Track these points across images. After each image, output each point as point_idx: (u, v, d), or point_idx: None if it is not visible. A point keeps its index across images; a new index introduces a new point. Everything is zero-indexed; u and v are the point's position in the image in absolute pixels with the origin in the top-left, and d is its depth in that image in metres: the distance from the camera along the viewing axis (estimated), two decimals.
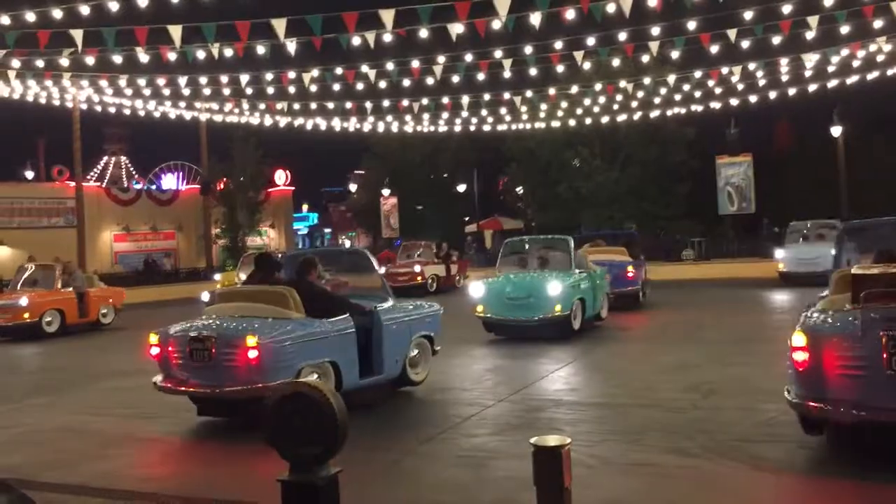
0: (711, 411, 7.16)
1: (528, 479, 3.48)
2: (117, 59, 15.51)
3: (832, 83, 20.99)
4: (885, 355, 4.83)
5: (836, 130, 29.28)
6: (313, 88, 19.08)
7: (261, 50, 14.76)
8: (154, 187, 44.39)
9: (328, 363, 7.36)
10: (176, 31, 12.73)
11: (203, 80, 18.59)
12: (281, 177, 43.74)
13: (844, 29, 15.49)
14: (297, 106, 22.12)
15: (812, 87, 21.30)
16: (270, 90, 19.35)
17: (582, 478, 4.60)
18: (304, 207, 68.04)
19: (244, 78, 17.87)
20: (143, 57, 15.01)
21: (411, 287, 23.70)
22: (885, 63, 19.30)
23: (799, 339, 5.23)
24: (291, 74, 17.77)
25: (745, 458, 5.58)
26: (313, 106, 22.01)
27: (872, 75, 20.30)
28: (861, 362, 4.97)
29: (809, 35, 15.27)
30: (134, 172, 55.43)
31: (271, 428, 1.67)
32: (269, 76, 18.00)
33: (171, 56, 15.07)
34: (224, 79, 18.35)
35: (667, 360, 10.09)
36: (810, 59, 18.06)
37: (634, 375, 9.26)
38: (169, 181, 45.24)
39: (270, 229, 42.22)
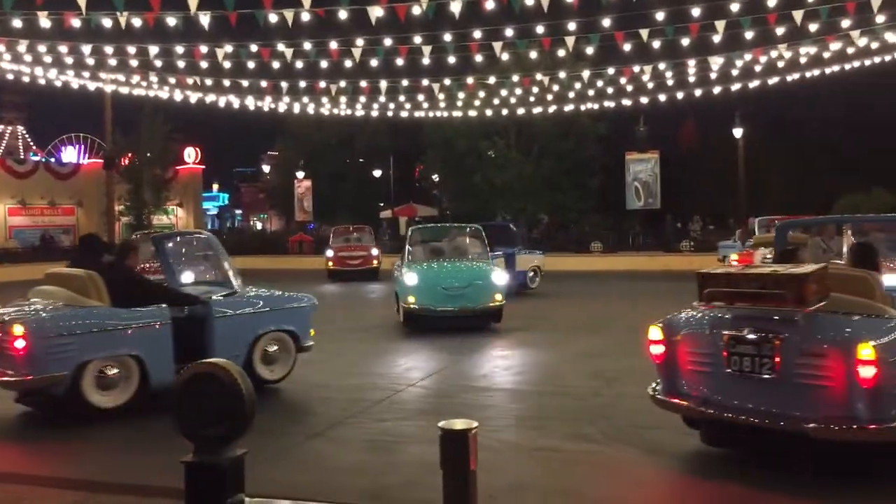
0: (613, 398, 7.41)
1: (436, 463, 3.54)
2: (16, 23, 14.69)
3: (735, 86, 21.87)
4: (725, 354, 4.98)
5: (738, 132, 30.58)
6: (227, 65, 18.58)
7: (172, 22, 14.26)
8: (53, 160, 42.26)
9: (130, 357, 6.78)
10: None
11: (109, 49, 17.81)
12: (190, 154, 42.42)
13: (749, 34, 16.18)
14: (209, 82, 21.47)
15: (716, 89, 22.14)
16: (181, 64, 18.71)
17: (488, 462, 4.70)
18: (215, 187, 66.30)
19: (153, 50, 17.23)
20: (45, 22, 14.26)
21: (366, 271, 23.47)
22: (785, 69, 20.25)
23: (655, 332, 5.39)
24: (204, 49, 17.25)
25: (641, 444, 5.82)
26: (226, 83, 21.42)
27: (773, 80, 21.27)
28: (706, 359, 5.12)
29: (716, 38, 15.88)
30: (31, 143, 52.64)
31: (177, 408, 1.64)
32: (179, 49, 17.42)
33: (76, 23, 14.38)
34: (132, 49, 17.64)
35: (573, 349, 10.37)
36: (716, 62, 18.77)
37: (542, 363, 9.49)
38: (69, 154, 43.12)
39: (178, 208, 40.96)
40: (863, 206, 28.22)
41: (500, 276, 12.13)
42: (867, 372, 4.46)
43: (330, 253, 24.37)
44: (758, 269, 5.28)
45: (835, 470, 4.92)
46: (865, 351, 4.46)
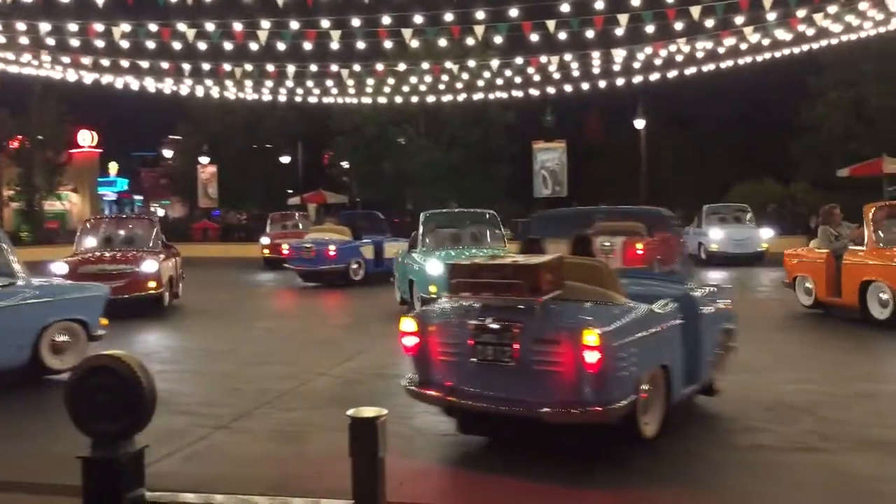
0: None
1: (346, 451, 3.54)
2: None
3: (637, 79, 22.58)
4: (471, 343, 5.10)
5: (640, 123, 31.56)
6: (125, 44, 17.82)
7: None
8: None
9: None
10: None
11: None
12: (86, 137, 40.58)
13: (650, 28, 16.72)
14: (105, 62, 20.53)
15: (620, 81, 22.80)
16: (75, 43, 17.83)
17: (398, 448, 4.72)
18: (113, 171, 63.51)
19: (45, 27, 16.35)
20: None
21: None
22: (684, 63, 21.04)
23: (408, 324, 5.40)
24: (100, 27, 16.49)
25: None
26: (125, 63, 20.53)
27: (672, 74, 22.06)
28: (455, 349, 5.23)
29: (619, 32, 16.35)
30: None
31: (71, 403, 1.57)
32: (73, 27, 16.59)
33: None
34: (22, 26, 16.68)
35: None
36: (619, 55, 19.31)
37: None
38: None
39: (73, 193, 39.15)
40: (753, 195, 29.71)
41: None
42: (592, 357, 4.69)
43: (266, 240, 23.69)
44: (500, 260, 5.46)
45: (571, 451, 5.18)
46: (590, 337, 4.68)
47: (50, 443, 5.53)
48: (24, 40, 17.94)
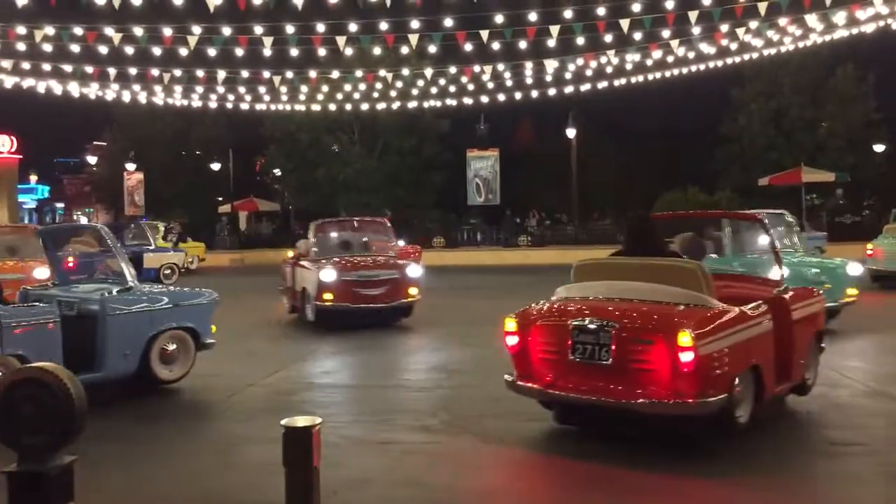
0: (454, 390, 7.62)
1: (278, 463, 3.51)
2: None
3: (568, 89, 23.02)
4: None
5: (571, 132, 32.13)
6: (47, 48, 17.23)
7: None
8: None
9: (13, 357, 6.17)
10: None
11: None
12: (5, 143, 38.90)
13: (580, 40, 17.08)
14: (26, 66, 19.80)
15: (551, 91, 23.21)
16: None
17: (331, 457, 4.70)
18: (33, 179, 61.22)
19: None
20: None
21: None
22: (613, 74, 21.56)
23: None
24: (21, 30, 15.92)
25: (480, 433, 6.03)
26: (46, 67, 19.85)
27: (602, 84, 22.57)
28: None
29: (551, 43, 16.66)
30: None
31: None
32: None
33: None
34: None
35: (414, 343, 10.54)
36: (551, 65, 19.66)
37: (385, 358, 9.57)
38: None
39: None
40: (678, 203, 30.55)
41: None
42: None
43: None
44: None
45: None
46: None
47: None
48: None
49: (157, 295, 7.73)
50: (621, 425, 5.59)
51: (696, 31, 16.63)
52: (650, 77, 21.65)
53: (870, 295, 13.47)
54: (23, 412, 1.59)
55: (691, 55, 19.14)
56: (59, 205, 67.75)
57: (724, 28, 16.77)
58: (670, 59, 19.26)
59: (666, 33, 16.78)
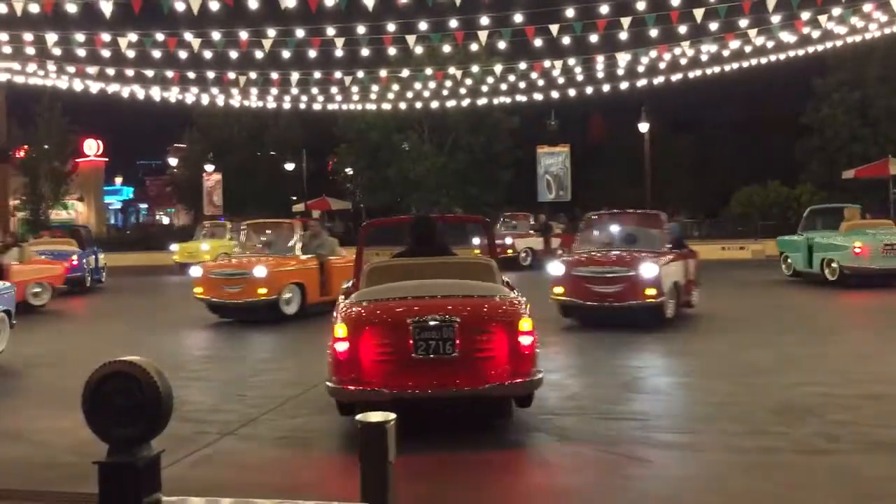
0: None
1: (352, 457, 3.56)
2: None
3: (641, 82, 22.60)
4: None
5: (644, 127, 31.57)
6: (130, 54, 17.92)
7: (71, 8, 13.65)
8: None
9: None
10: None
11: (4, 36, 16.91)
12: (92, 147, 40.76)
13: (653, 32, 16.75)
14: (111, 72, 20.64)
15: (624, 85, 22.82)
16: (81, 53, 17.93)
17: (404, 454, 4.73)
18: (118, 180, 63.75)
19: (51, 37, 16.45)
20: None
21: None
22: (688, 66, 21.06)
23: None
24: (106, 37, 16.59)
25: (552, 430, 5.98)
26: (130, 73, 20.63)
27: (676, 77, 22.08)
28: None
29: (623, 35, 16.38)
30: None
31: (88, 409, 1.59)
32: (80, 37, 16.69)
33: None
34: (28, 37, 16.80)
35: None
36: (623, 58, 19.34)
37: None
38: None
39: (78, 202, 39.30)
40: (758, 197, 29.67)
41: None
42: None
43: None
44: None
45: None
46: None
47: (64, 450, 5.56)
48: (30, 50, 18.05)
49: None
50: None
51: (775, 19, 16.07)
52: (726, 68, 21.05)
53: None
54: (113, 404, 1.65)
55: (770, 44, 18.53)
56: (143, 205, 70.35)
57: (805, 16, 16.18)
58: (748, 48, 18.68)
59: (743, 22, 16.29)
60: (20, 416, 6.87)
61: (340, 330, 5.59)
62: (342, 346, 5.57)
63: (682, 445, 5.57)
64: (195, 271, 13.12)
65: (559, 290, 10.97)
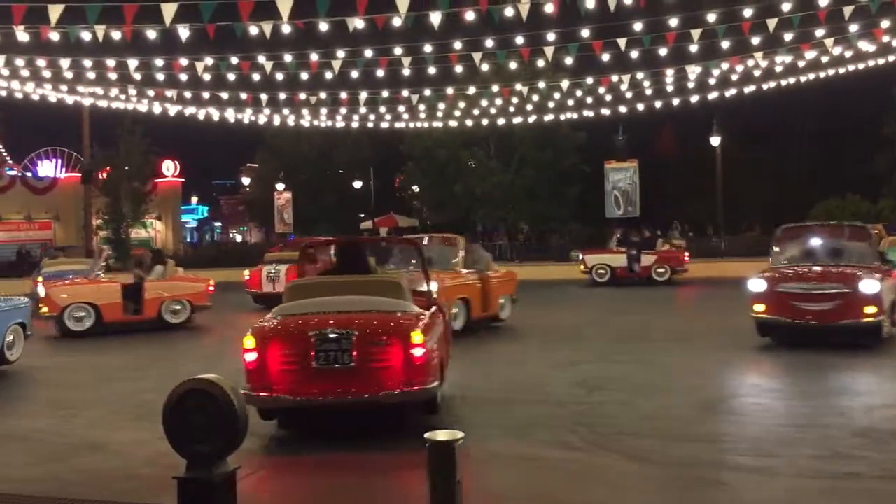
0: (594, 406, 7.46)
1: (421, 474, 3.56)
2: None
3: (712, 95, 22.13)
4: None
5: (715, 140, 30.90)
6: (206, 77, 18.53)
7: (151, 35, 14.20)
8: (30, 174, 41.84)
9: None
10: (55, 11, 12.05)
11: (87, 63, 17.72)
12: (169, 167, 42.20)
13: (725, 44, 16.39)
14: (188, 95, 21.38)
15: (694, 98, 22.39)
16: (160, 77, 18.64)
17: (472, 471, 4.71)
18: (194, 200, 65.82)
19: (132, 63, 17.15)
20: (23, 36, 14.15)
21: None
22: (761, 78, 20.53)
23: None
24: (183, 62, 17.20)
25: (623, 450, 5.86)
26: (206, 95, 21.33)
27: (749, 89, 21.55)
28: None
29: (693, 48, 16.08)
30: (7, 158, 52.06)
31: (168, 425, 1.64)
32: (159, 62, 17.35)
33: (54, 36, 14.27)
34: (111, 63, 17.55)
35: (555, 358, 10.42)
36: (693, 71, 18.99)
37: (525, 372, 9.51)
38: (46, 168, 42.70)
39: (157, 221, 40.67)
40: (837, 211, 28.61)
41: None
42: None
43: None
44: None
45: None
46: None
47: (142, 464, 5.72)
48: (112, 76, 18.83)
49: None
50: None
51: (853, 28, 15.54)
52: (802, 78, 20.45)
53: None
54: (192, 421, 1.70)
55: (848, 54, 17.92)
56: (217, 224, 72.38)
57: (885, 24, 15.59)
58: (824, 58, 18.11)
59: (819, 32, 15.79)
60: (100, 428, 7.11)
61: (249, 342, 6.15)
62: (250, 357, 6.13)
63: None
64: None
65: (760, 307, 10.29)
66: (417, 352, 6.02)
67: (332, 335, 6.01)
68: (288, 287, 7.21)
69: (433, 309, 7.04)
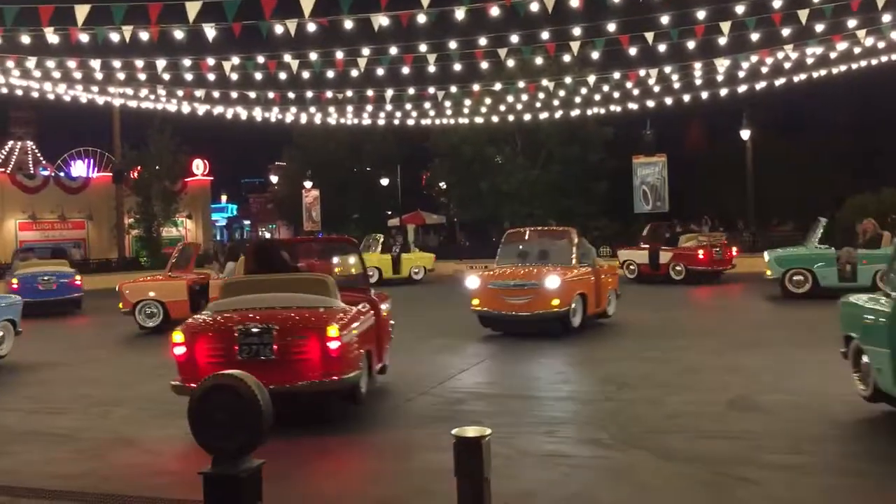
0: (623, 403, 7.39)
1: (449, 470, 3.55)
2: (24, 39, 14.81)
3: (742, 87, 21.82)
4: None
5: (745, 133, 30.49)
6: (234, 77, 18.68)
7: (178, 35, 14.34)
8: (63, 174, 42.54)
9: None
10: (82, 12, 12.18)
11: (117, 63, 17.95)
12: (199, 166, 42.62)
13: (754, 36, 16.14)
14: (216, 94, 21.59)
15: (723, 91, 22.11)
16: (188, 77, 18.82)
17: (500, 468, 4.70)
18: (223, 198, 66.54)
19: (160, 63, 17.34)
20: (52, 38, 14.36)
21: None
22: (792, 69, 20.20)
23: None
24: (211, 62, 17.36)
25: (653, 448, 5.80)
26: (234, 94, 21.52)
27: (780, 81, 21.22)
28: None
29: (722, 41, 15.85)
30: (41, 158, 53.02)
31: (193, 420, 1.65)
32: (186, 62, 17.52)
33: (84, 38, 14.47)
34: (140, 63, 17.77)
35: (584, 354, 10.36)
36: (722, 64, 18.74)
37: (551, 368, 9.47)
38: (79, 168, 43.42)
39: (187, 220, 41.12)
40: (870, 206, 28.06)
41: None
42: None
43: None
44: None
45: None
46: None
47: (167, 459, 5.79)
48: (142, 76, 19.05)
49: None
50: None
51: (886, 18, 15.22)
52: (834, 70, 20.08)
53: None
54: (216, 418, 1.71)
55: (881, 45, 17.56)
56: (246, 222, 73.06)
57: None
58: (857, 49, 17.77)
59: (851, 23, 15.50)
60: (133, 425, 7.21)
61: (178, 336, 6.56)
62: (179, 350, 6.55)
63: None
64: (472, 282, 12.16)
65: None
66: (333, 344, 6.38)
67: (254, 329, 6.41)
68: (222, 285, 7.76)
69: (361, 305, 7.43)
